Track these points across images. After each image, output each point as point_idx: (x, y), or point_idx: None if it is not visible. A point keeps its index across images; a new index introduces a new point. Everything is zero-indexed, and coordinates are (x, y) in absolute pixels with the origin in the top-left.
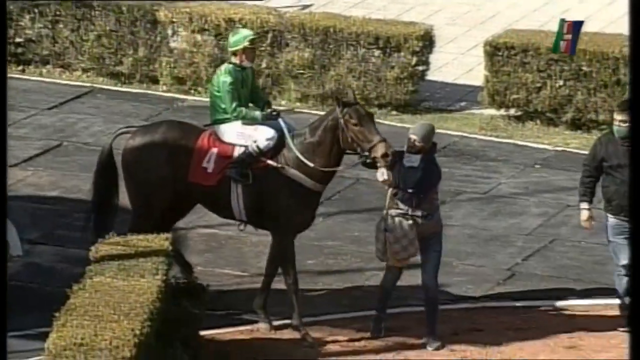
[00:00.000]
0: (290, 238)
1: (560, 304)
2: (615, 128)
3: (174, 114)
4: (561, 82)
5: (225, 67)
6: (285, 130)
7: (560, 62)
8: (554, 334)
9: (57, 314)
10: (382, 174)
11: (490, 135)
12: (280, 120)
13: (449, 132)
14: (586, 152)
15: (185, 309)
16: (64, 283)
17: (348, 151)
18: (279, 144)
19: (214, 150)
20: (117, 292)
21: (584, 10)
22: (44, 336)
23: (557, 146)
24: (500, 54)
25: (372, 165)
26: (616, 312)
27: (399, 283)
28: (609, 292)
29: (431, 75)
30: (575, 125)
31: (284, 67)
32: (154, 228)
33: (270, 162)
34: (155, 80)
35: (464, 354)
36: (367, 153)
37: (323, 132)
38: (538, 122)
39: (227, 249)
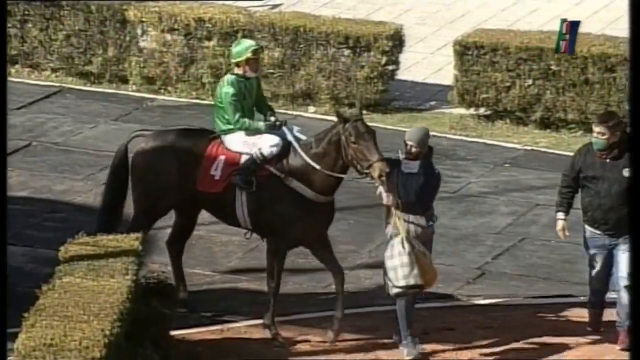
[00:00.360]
0: (284, 247)
1: (529, 302)
2: (593, 140)
3: (144, 114)
4: (530, 82)
5: (227, 78)
6: (291, 138)
7: (529, 62)
8: (523, 332)
9: (26, 315)
10: (386, 196)
11: (460, 135)
12: (285, 129)
13: None
14: (555, 151)
15: (156, 309)
16: (33, 283)
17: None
18: (283, 152)
19: (222, 157)
20: (86, 292)
21: (552, 10)
22: (13, 337)
23: (526, 145)
24: (469, 53)
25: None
26: (585, 311)
27: (370, 282)
28: (579, 291)
29: (401, 75)
30: (544, 124)
31: None
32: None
33: (273, 169)
34: (124, 80)
35: (434, 352)
36: (366, 171)
37: (327, 144)
38: (507, 121)
39: (197, 249)
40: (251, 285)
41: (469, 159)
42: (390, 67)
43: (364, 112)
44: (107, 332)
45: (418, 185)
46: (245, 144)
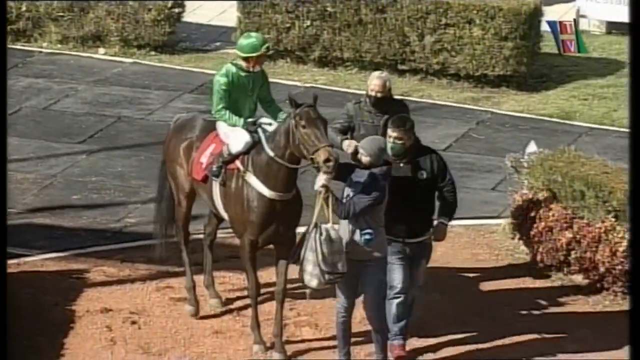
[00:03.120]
0: (249, 245)
1: None
2: (390, 145)
3: None
4: (308, 22)
5: (227, 67)
6: (262, 136)
7: (307, 4)
8: None
9: None
10: (319, 180)
11: None
12: (260, 130)
13: (205, 71)
14: (333, 88)
15: None
16: None
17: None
18: (251, 149)
19: (212, 146)
20: None
21: None
22: None
23: (306, 82)
24: None
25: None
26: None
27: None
28: None
29: (187, 17)
30: (323, 62)
31: (44, 10)
32: (186, 215)
33: (239, 164)
34: None
35: (222, 279)
36: (312, 156)
37: (278, 134)
38: (288, 60)
39: None
40: (46, 220)
41: None
42: (177, 10)
43: (153, 53)
44: None
45: (357, 193)
46: (225, 135)
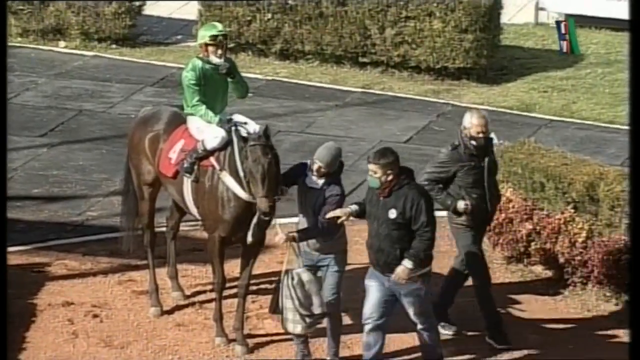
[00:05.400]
0: (218, 243)
1: None
2: (368, 178)
3: None
4: (269, 15)
5: (193, 62)
6: (234, 137)
7: None
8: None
9: None
10: (279, 238)
11: None
12: (233, 129)
13: (166, 64)
14: (294, 81)
15: None
16: None
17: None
18: (226, 146)
19: (182, 141)
20: None
21: None
22: None
23: (267, 75)
24: None
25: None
26: None
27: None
28: None
29: (148, 10)
30: (284, 55)
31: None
32: (150, 209)
33: (213, 161)
34: None
35: (185, 272)
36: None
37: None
38: (249, 53)
39: None
40: (8, 214)
41: None
42: (137, 3)
43: (114, 46)
44: None
45: (318, 202)
46: (198, 130)
